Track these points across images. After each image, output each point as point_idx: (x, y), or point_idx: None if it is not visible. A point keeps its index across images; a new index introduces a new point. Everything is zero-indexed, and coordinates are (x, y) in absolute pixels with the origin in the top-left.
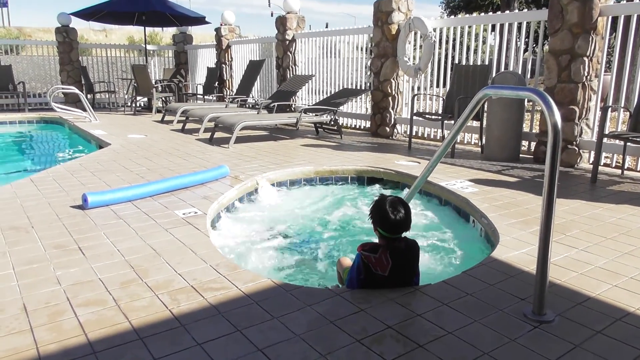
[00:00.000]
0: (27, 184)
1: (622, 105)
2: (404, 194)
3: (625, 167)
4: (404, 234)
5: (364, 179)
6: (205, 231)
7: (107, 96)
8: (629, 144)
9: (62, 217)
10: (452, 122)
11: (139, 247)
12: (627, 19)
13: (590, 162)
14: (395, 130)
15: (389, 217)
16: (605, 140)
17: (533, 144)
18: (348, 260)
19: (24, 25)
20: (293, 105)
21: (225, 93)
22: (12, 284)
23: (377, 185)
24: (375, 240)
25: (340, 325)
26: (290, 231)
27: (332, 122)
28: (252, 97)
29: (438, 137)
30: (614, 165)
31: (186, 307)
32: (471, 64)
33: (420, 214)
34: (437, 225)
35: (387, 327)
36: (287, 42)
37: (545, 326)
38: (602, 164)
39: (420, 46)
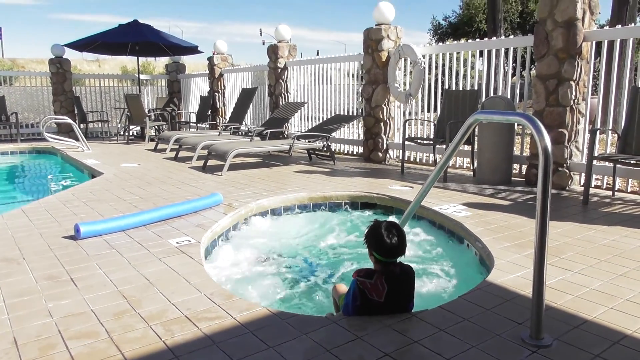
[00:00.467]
0: (19, 215)
1: (610, 127)
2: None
3: (616, 189)
4: (400, 259)
5: (357, 205)
6: (199, 260)
7: (100, 125)
8: (618, 165)
9: (54, 248)
10: (444, 146)
11: (132, 277)
12: (611, 44)
13: (581, 184)
14: (387, 155)
15: (385, 242)
16: (595, 162)
17: (524, 167)
18: (344, 287)
19: (18, 57)
20: (286, 132)
21: (218, 121)
22: (3, 317)
23: (371, 211)
24: (371, 266)
25: (337, 353)
26: (285, 258)
27: (325, 148)
28: (245, 124)
29: (430, 162)
30: (604, 187)
31: (180, 337)
32: (461, 89)
33: (415, 239)
34: (431, 250)
35: (385, 354)
36: (279, 70)
37: (543, 351)
38: (592, 185)
39: (411, 72)
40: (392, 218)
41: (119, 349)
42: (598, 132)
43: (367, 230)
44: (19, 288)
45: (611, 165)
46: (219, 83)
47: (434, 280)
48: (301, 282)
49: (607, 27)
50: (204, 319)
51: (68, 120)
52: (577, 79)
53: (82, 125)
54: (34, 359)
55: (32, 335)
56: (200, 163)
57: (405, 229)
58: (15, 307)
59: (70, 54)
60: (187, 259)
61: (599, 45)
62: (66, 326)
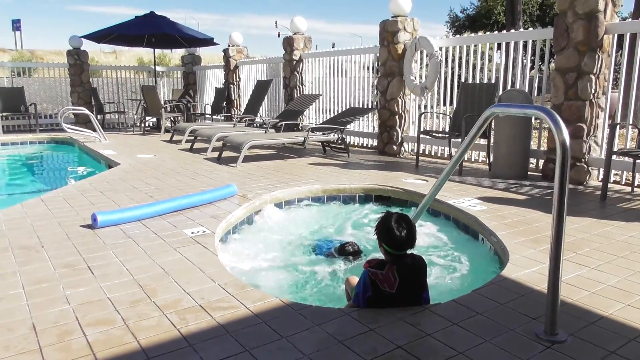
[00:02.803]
0: (38, 204)
1: (631, 122)
2: (411, 212)
3: (635, 185)
4: (410, 251)
5: (371, 197)
6: (213, 250)
7: (116, 116)
8: (638, 161)
9: (72, 237)
10: (460, 140)
11: (147, 266)
12: (633, 37)
13: (600, 179)
14: (402, 148)
15: (394, 235)
16: (614, 157)
17: (541, 162)
18: (356, 279)
19: (36, 48)
20: (300, 125)
21: (233, 113)
22: (22, 304)
23: (385, 204)
24: (382, 257)
25: (349, 345)
26: (298, 250)
27: (340, 141)
28: (260, 116)
29: (445, 155)
30: (623, 183)
31: (194, 326)
32: (477, 82)
33: (429, 232)
34: (446, 244)
35: (397, 347)
36: (294, 62)
37: (557, 346)
38: (611, 181)
39: (427, 65)
40: (411, 213)
41: (134, 336)
42: (618, 126)
43: (377, 222)
44: (38, 275)
45: (631, 160)
46: (234, 75)
47: (448, 274)
48: (314, 274)
49: (630, 19)
50: (218, 309)
51: (85, 111)
52: (597, 73)
53: (99, 116)
54: (52, 345)
55: (50, 321)
56: (215, 154)
57: (419, 222)
58: (33, 293)
59: (87, 46)
60: (202, 249)
61: (620, 38)
62: (83, 313)
